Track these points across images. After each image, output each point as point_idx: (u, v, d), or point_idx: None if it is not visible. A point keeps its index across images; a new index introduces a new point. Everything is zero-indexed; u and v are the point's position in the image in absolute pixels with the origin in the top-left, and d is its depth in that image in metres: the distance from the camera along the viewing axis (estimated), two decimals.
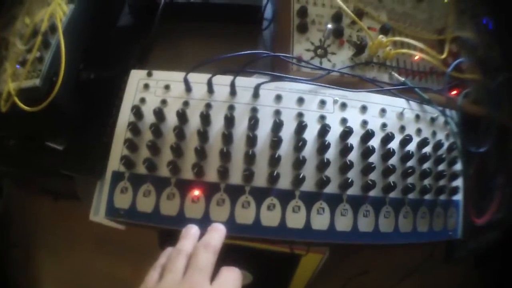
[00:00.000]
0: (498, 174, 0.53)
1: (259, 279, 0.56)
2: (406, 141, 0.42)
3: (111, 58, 0.48)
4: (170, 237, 0.37)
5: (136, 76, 0.43)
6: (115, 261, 0.62)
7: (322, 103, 0.42)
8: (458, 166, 0.46)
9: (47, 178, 0.53)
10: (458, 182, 0.45)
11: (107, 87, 0.46)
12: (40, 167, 0.50)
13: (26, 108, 0.44)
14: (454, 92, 0.51)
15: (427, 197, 0.43)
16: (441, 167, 0.44)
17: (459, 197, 0.46)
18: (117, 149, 0.40)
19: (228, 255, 0.34)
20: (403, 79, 0.46)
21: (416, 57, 0.48)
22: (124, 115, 0.41)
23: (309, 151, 0.40)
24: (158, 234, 0.47)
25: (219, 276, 0.31)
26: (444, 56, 0.50)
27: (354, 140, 0.41)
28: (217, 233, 0.35)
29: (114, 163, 0.40)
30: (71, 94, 0.46)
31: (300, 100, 0.42)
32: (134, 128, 0.39)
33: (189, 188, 0.39)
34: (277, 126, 0.39)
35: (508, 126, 0.54)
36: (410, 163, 0.42)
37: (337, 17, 0.46)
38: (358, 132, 0.41)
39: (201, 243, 0.33)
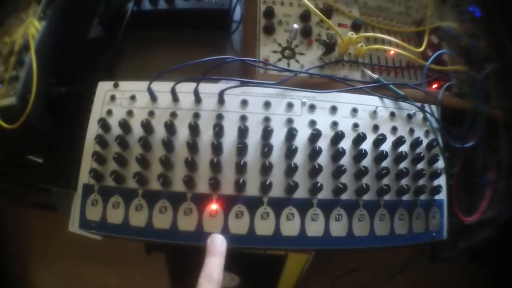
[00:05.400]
0: (487, 170, 0.51)
1: (247, 280, 0.55)
2: (379, 140, 0.41)
3: (82, 71, 0.49)
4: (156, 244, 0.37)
5: (103, 88, 0.42)
6: (105, 269, 0.63)
7: (290, 106, 0.41)
8: (439, 164, 0.44)
9: (30, 192, 0.54)
10: (440, 181, 0.43)
11: (78, 100, 0.46)
12: (22, 181, 0.51)
13: (6, 126, 0.45)
14: (434, 86, 0.48)
15: (405, 198, 0.41)
16: (420, 166, 0.42)
17: (442, 196, 0.44)
18: (87, 162, 0.40)
19: None
20: (377, 76, 0.44)
21: (391, 52, 0.46)
22: (92, 128, 0.41)
23: (276, 156, 0.39)
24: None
25: None
26: (422, 48, 0.48)
27: (323, 142, 0.40)
28: (217, 260, 0.33)
29: (84, 176, 0.40)
30: (44, 110, 0.46)
31: (267, 104, 0.41)
32: (101, 140, 0.39)
33: (156, 198, 0.38)
34: (242, 132, 0.38)
35: (497, 119, 0.52)
36: (384, 164, 0.41)
37: (305, 16, 0.45)
38: (327, 134, 0.40)
39: (205, 279, 0.31)
